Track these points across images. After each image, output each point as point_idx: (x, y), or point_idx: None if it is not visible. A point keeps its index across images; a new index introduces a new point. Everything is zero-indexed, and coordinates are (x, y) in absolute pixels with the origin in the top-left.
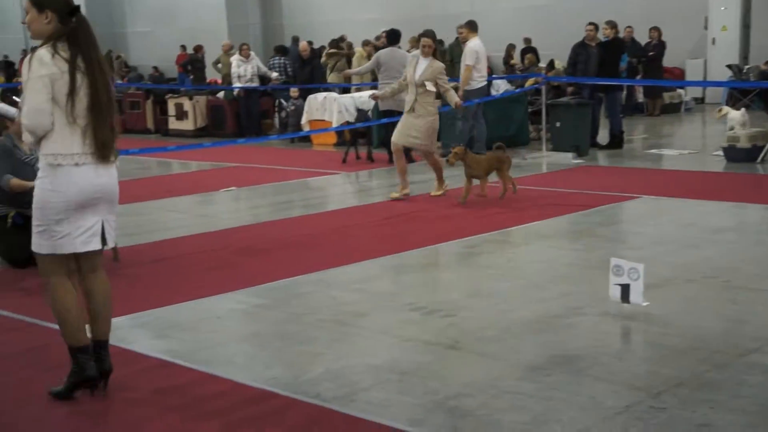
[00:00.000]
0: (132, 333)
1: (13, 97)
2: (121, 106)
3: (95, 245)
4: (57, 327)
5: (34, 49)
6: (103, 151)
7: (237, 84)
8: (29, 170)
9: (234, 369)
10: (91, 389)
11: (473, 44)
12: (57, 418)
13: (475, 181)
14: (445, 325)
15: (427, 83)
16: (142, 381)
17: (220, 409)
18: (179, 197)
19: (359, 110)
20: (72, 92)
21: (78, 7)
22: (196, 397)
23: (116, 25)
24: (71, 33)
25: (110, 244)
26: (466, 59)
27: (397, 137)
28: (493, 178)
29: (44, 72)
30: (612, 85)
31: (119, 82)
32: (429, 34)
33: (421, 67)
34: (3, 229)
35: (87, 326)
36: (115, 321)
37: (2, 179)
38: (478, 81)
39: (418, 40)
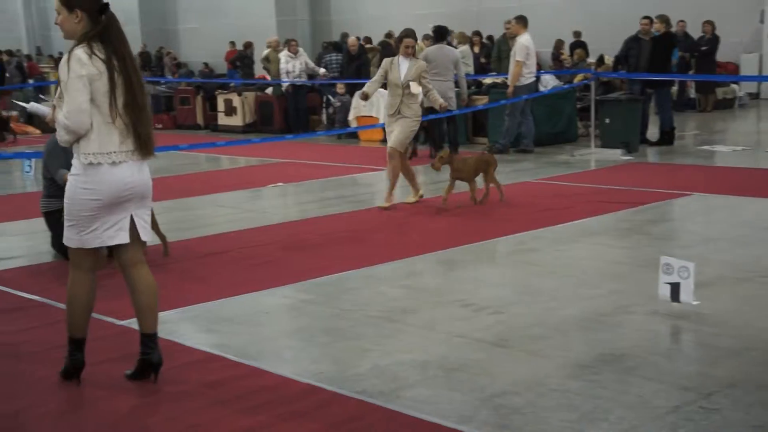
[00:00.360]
0: (181, 326)
1: (40, 96)
2: (172, 102)
3: (122, 239)
4: (110, 319)
5: (71, 50)
6: (147, 147)
7: (285, 80)
8: None
9: (281, 363)
10: (78, 376)
11: (523, 39)
12: (107, 408)
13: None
14: (493, 322)
15: (412, 84)
16: (191, 374)
17: (266, 402)
18: (228, 192)
19: None
20: (112, 92)
21: (107, 5)
22: (243, 391)
23: (168, 22)
24: (102, 31)
25: (143, 238)
26: (516, 55)
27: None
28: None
29: (84, 72)
30: (663, 81)
31: (169, 77)
32: (411, 34)
33: (403, 67)
34: (57, 222)
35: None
36: (164, 314)
37: (57, 173)
38: (527, 77)
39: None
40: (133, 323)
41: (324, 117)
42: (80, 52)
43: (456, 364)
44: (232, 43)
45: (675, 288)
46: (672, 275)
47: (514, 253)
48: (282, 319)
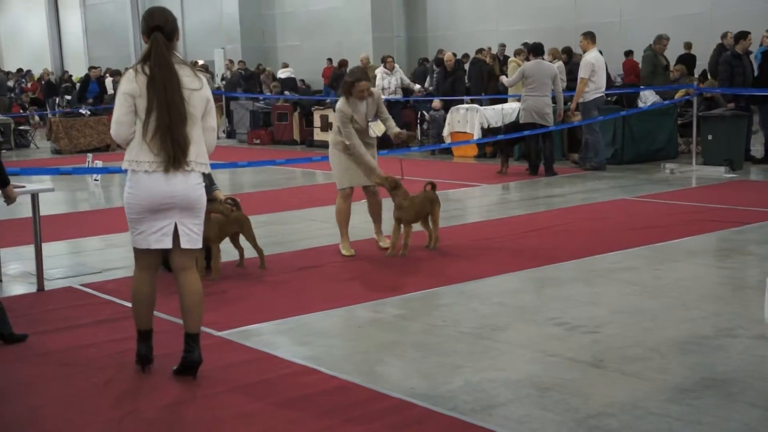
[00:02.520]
0: (276, 339)
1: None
2: (270, 118)
3: (166, 244)
4: (208, 330)
5: (127, 68)
6: (176, 160)
7: (382, 96)
8: None
9: (373, 378)
10: (142, 366)
11: (590, 56)
12: (207, 416)
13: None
14: (588, 341)
15: (373, 125)
16: (285, 386)
17: (360, 417)
18: (322, 207)
19: (487, 127)
20: (148, 109)
21: (156, 27)
22: (336, 405)
23: (268, 40)
24: (148, 53)
25: (183, 246)
26: (581, 72)
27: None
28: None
29: (128, 90)
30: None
31: (267, 94)
32: (364, 77)
33: (362, 108)
34: None
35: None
36: (260, 326)
37: None
38: (593, 92)
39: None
40: (231, 335)
41: (418, 132)
42: (131, 70)
43: (549, 383)
44: (330, 60)
45: None
46: None
47: (609, 272)
48: (374, 333)
